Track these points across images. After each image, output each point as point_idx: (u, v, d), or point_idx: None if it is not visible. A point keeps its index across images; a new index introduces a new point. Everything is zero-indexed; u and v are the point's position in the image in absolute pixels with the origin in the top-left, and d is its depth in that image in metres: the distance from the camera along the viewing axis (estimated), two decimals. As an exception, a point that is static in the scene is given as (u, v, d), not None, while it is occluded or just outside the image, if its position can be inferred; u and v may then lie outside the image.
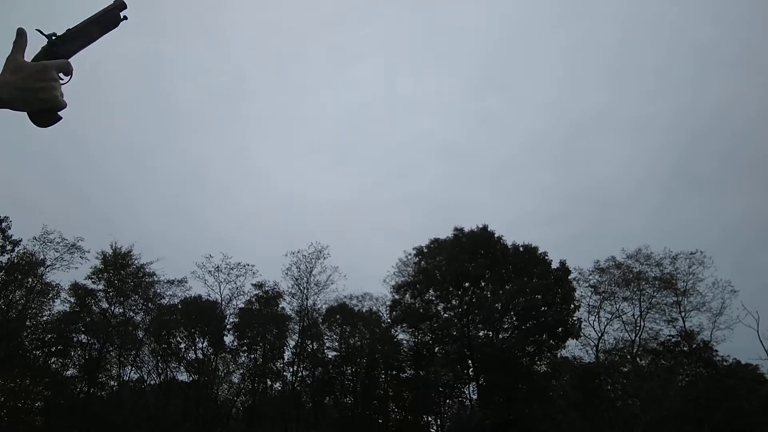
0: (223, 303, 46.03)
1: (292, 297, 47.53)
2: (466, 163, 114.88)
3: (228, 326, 46.49)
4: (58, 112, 1.74)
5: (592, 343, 44.95)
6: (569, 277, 45.91)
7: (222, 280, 45.72)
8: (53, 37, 1.86)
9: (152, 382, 45.55)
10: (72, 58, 1.86)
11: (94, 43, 1.96)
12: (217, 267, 45.44)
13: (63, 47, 1.87)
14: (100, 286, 44.04)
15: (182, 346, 45.88)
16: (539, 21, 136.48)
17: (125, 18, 2.03)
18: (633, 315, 44.04)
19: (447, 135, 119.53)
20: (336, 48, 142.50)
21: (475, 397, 46.01)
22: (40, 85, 1.62)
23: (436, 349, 47.83)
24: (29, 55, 1.76)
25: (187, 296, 46.21)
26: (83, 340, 42.81)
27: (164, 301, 45.87)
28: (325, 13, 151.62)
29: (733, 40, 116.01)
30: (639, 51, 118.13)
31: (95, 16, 2.00)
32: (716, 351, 42.78)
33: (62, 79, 1.75)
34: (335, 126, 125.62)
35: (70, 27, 1.92)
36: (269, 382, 47.96)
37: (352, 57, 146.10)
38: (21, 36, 1.71)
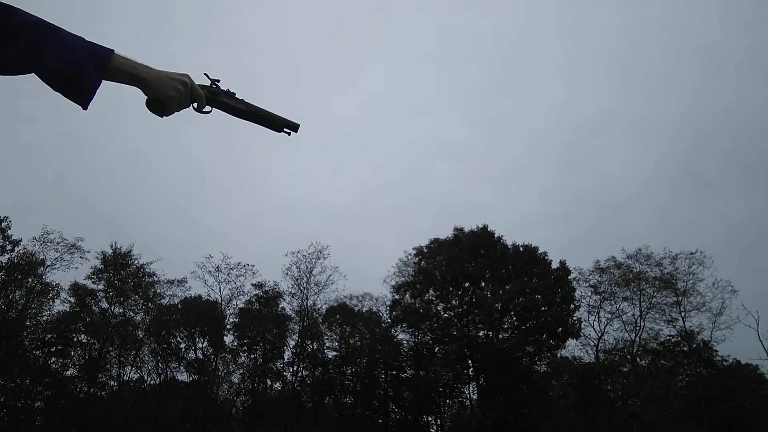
0: (223, 303, 46.01)
1: (292, 297, 47.49)
2: (469, 165, 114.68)
3: (228, 326, 46.47)
4: (162, 115, 2.03)
5: (592, 343, 44.85)
6: (569, 277, 45.89)
7: (222, 280, 45.67)
8: (213, 84, 2.15)
9: (152, 382, 45.51)
10: (209, 110, 2.14)
11: (230, 115, 2.23)
12: (217, 267, 45.38)
13: (220, 95, 2.16)
14: (100, 286, 44.04)
15: (182, 346, 45.87)
16: (545, 24, 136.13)
17: (288, 134, 2.26)
18: (633, 315, 43.94)
19: (451, 136, 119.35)
20: (342, 51, 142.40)
21: (475, 397, 45.95)
22: (175, 87, 1.96)
23: (436, 349, 47.79)
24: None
25: (187, 296, 46.23)
26: (83, 340, 42.83)
27: (164, 301, 45.84)
28: (331, 17, 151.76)
29: (738, 42, 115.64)
30: (644, 53, 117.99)
31: (271, 114, 2.27)
32: (716, 351, 42.76)
33: (193, 107, 2.09)
34: (339, 128, 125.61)
35: (239, 97, 2.21)
36: (269, 382, 47.93)
37: (359, 60, 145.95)
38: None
